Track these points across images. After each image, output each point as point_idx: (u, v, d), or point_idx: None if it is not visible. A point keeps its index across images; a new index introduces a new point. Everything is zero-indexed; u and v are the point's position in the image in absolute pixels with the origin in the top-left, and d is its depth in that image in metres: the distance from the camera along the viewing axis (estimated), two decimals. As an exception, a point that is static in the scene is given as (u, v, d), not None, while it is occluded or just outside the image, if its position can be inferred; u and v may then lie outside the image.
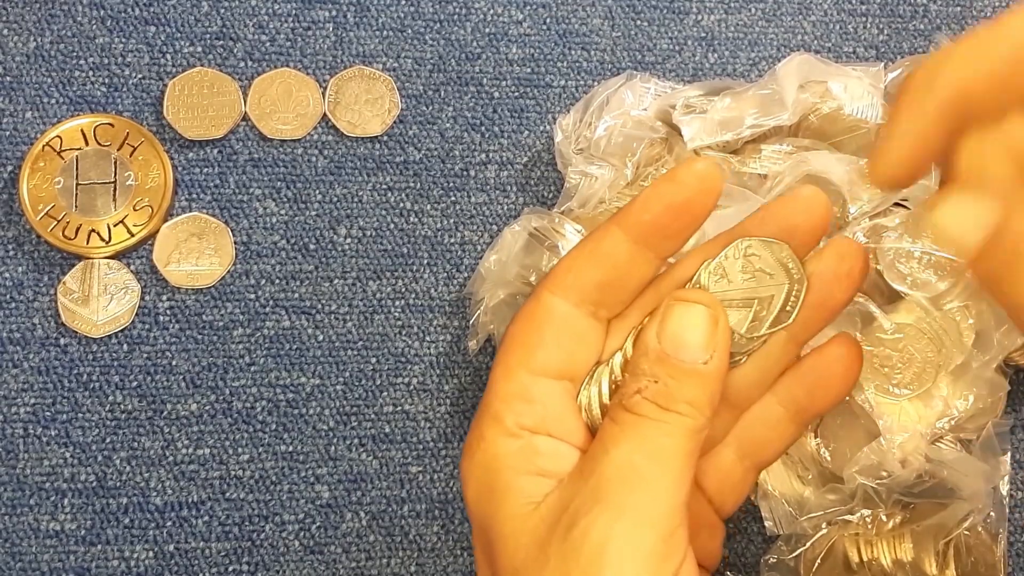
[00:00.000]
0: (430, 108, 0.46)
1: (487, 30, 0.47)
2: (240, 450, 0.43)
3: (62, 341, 0.43)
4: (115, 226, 0.44)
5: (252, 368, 0.44)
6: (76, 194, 0.44)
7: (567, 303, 0.31)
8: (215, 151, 0.45)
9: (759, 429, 0.33)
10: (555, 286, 0.31)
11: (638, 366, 0.30)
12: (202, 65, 0.45)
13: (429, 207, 0.45)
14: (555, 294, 0.31)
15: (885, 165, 0.26)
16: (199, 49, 0.46)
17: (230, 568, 0.42)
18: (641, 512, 0.28)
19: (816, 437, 0.41)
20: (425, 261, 0.45)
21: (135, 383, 0.43)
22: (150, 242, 0.44)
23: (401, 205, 0.45)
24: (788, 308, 0.31)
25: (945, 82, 0.25)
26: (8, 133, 0.45)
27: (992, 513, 0.41)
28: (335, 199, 0.45)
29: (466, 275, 0.45)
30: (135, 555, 0.42)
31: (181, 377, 0.43)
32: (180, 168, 0.45)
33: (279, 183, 0.45)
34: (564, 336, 0.31)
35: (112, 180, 0.44)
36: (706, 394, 0.29)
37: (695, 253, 0.32)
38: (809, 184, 0.30)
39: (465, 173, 0.46)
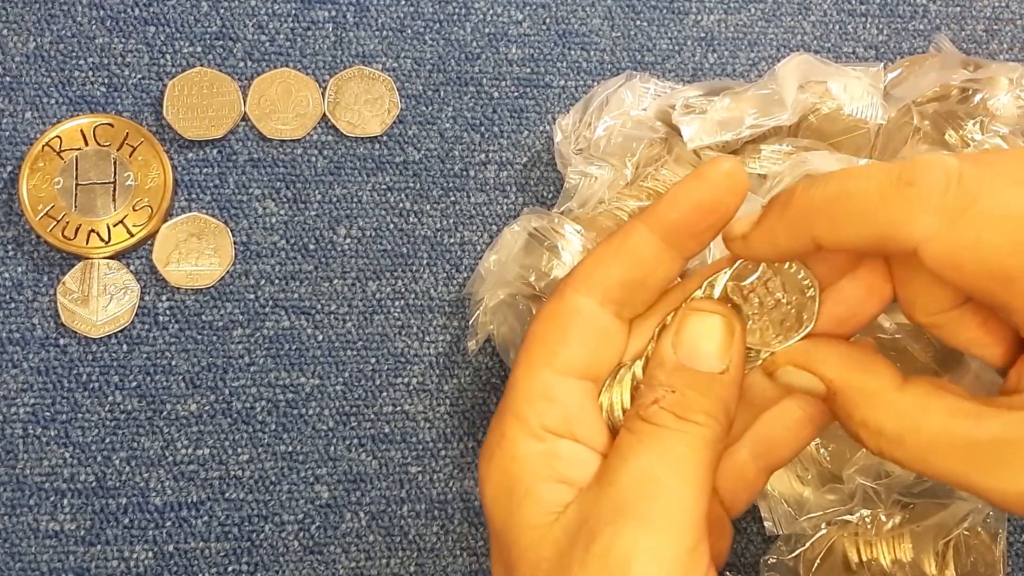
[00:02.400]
0: (430, 108, 0.46)
1: (487, 30, 0.47)
2: (240, 450, 0.43)
3: (62, 341, 0.43)
4: (115, 226, 0.44)
5: (252, 368, 0.44)
6: (76, 194, 0.44)
7: (592, 301, 0.31)
8: (215, 151, 0.45)
9: (776, 430, 0.33)
10: (579, 283, 0.31)
11: (655, 376, 0.30)
12: (202, 65, 0.45)
13: (429, 207, 0.45)
14: (579, 292, 0.31)
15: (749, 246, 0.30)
16: (199, 49, 0.46)
17: (229, 568, 0.42)
18: (665, 523, 0.28)
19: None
20: (425, 261, 0.45)
21: (135, 383, 0.43)
22: (150, 242, 0.44)
23: (401, 205, 0.45)
24: (805, 319, 0.31)
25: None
26: (8, 133, 0.45)
27: (991, 513, 0.41)
28: (335, 199, 0.45)
29: (466, 275, 0.45)
30: (135, 555, 0.42)
31: (181, 377, 0.43)
32: (180, 168, 0.45)
33: (279, 183, 0.45)
34: (589, 335, 0.31)
35: (112, 180, 0.44)
36: (723, 403, 0.29)
37: (718, 260, 0.32)
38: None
39: (465, 173, 0.46)
